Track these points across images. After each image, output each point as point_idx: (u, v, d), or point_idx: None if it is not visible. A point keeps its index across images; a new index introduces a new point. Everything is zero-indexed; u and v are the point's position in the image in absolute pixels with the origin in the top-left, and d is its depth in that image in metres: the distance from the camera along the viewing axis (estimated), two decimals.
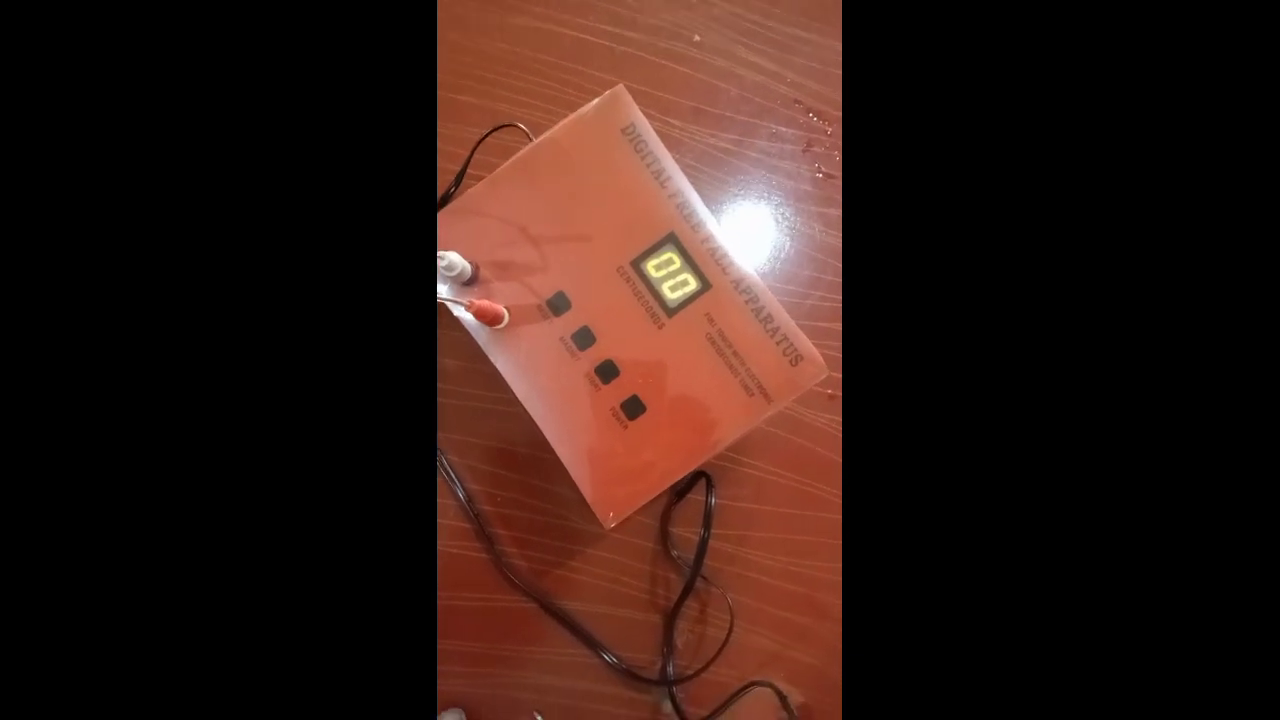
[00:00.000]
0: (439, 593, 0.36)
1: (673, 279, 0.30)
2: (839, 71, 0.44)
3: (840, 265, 0.42)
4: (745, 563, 0.38)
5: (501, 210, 0.30)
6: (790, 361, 0.30)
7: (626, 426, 0.30)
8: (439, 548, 0.36)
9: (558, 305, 0.30)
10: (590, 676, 0.37)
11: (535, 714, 0.36)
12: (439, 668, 0.36)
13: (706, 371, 0.30)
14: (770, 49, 0.44)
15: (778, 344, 0.30)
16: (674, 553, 0.37)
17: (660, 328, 0.30)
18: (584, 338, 0.30)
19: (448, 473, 0.36)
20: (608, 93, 0.31)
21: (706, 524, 0.35)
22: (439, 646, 0.36)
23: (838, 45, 0.44)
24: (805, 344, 0.30)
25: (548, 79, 0.41)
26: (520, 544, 0.37)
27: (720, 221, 0.37)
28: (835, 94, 0.44)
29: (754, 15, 0.44)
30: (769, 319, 0.30)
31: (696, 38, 0.43)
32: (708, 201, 0.41)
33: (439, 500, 0.36)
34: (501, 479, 0.37)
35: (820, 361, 0.30)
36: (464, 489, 0.36)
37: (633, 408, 0.30)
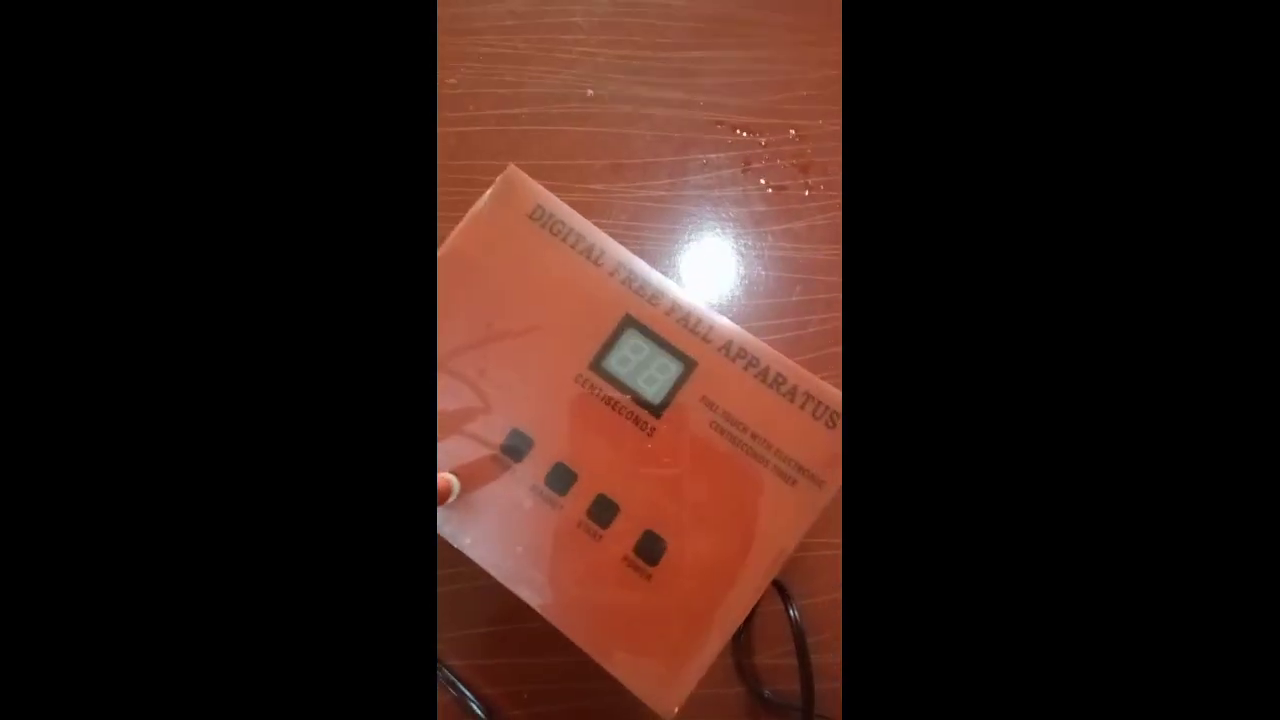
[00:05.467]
0: None
1: (646, 369, 0.24)
2: (749, 79, 0.40)
3: (829, 278, 0.36)
4: None
5: None
6: (826, 423, 0.23)
7: (650, 576, 0.22)
8: None
9: (517, 448, 0.23)
10: None
11: None
12: None
13: (727, 470, 0.23)
14: (671, 78, 0.39)
15: (801, 406, 0.23)
16: (766, 693, 0.29)
17: (650, 434, 0.23)
18: (561, 478, 0.23)
19: (454, 685, 0.28)
20: (498, 179, 0.25)
21: (802, 651, 0.27)
22: None
23: (742, 54, 0.40)
24: (834, 395, 0.23)
25: (440, 186, 0.36)
26: None
27: (680, 282, 0.31)
28: (755, 103, 0.39)
29: (643, 51, 0.40)
30: (779, 379, 0.23)
31: (590, 92, 0.39)
32: (658, 262, 0.35)
33: None
34: (521, 670, 0.29)
35: None
36: (480, 701, 0.28)
37: (650, 548, 0.23)
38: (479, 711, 0.28)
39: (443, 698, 0.28)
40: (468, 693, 0.28)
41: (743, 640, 0.30)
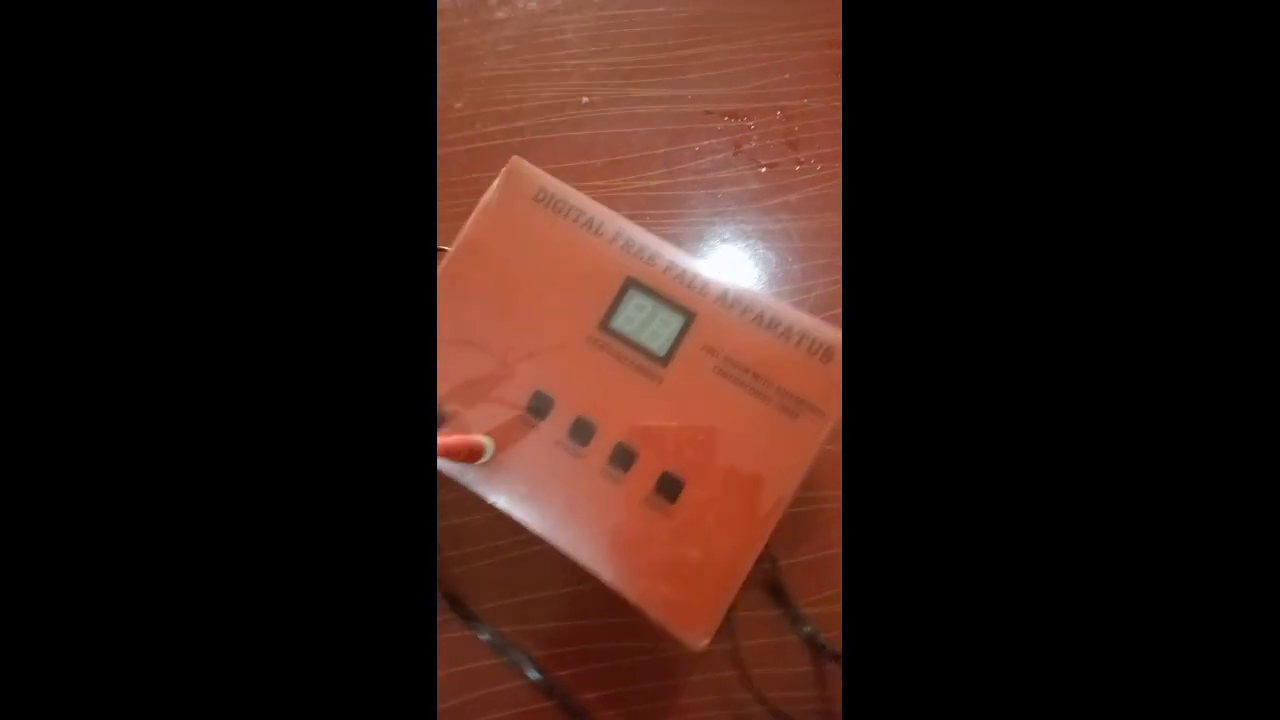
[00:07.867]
0: None
1: (651, 324, 0.25)
2: (734, 70, 0.42)
3: (827, 244, 0.38)
4: None
5: (443, 333, 0.26)
6: (821, 358, 0.24)
7: (670, 513, 0.24)
8: None
9: (540, 408, 0.25)
10: None
11: None
12: None
13: (732, 410, 0.24)
14: (660, 77, 0.42)
15: (797, 344, 0.25)
16: (806, 629, 0.30)
17: (660, 383, 0.25)
18: (582, 431, 0.25)
19: (506, 648, 0.30)
20: (503, 170, 0.28)
21: (788, 606, 0.27)
22: None
23: (726, 47, 0.43)
24: (828, 331, 0.25)
25: (453, 200, 0.39)
26: (616, 702, 0.30)
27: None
28: (741, 90, 0.41)
29: (631, 56, 0.43)
30: (775, 321, 0.25)
31: (585, 99, 0.41)
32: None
33: (508, 685, 0.30)
34: (565, 632, 0.31)
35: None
36: (532, 659, 0.30)
37: (669, 487, 0.24)
38: (534, 675, 0.29)
39: (491, 660, 0.30)
40: (521, 655, 0.29)
41: (783, 584, 0.31)
